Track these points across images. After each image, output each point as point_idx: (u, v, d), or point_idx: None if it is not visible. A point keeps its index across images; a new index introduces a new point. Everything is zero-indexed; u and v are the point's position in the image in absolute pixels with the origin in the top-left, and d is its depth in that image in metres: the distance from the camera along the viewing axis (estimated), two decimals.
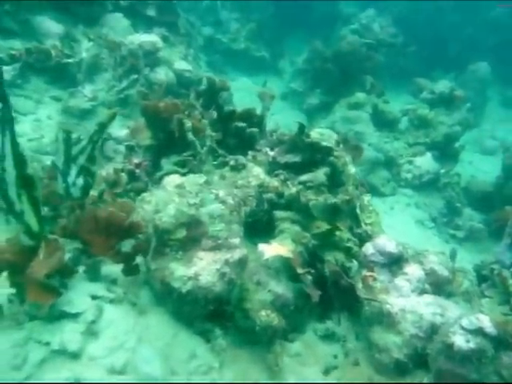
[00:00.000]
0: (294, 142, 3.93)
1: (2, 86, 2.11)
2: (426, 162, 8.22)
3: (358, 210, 3.81)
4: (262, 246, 2.98)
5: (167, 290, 2.70)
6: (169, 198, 2.91)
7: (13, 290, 2.60)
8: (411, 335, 2.77)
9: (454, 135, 8.43)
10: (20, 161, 2.22)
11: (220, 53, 10.26)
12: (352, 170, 3.79)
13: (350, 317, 3.22)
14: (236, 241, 2.84)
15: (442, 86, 9.02)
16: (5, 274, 2.59)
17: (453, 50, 11.24)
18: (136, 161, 3.86)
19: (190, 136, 3.65)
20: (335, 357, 3.02)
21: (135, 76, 6.45)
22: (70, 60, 6.13)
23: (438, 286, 3.13)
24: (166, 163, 3.86)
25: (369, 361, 2.97)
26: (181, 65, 7.16)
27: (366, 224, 3.81)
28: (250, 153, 3.95)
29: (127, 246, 2.77)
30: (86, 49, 6.49)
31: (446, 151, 8.37)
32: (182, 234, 2.78)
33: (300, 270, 2.92)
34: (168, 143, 3.90)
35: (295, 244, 3.14)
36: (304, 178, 3.75)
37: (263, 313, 2.81)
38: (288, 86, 9.86)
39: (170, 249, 2.77)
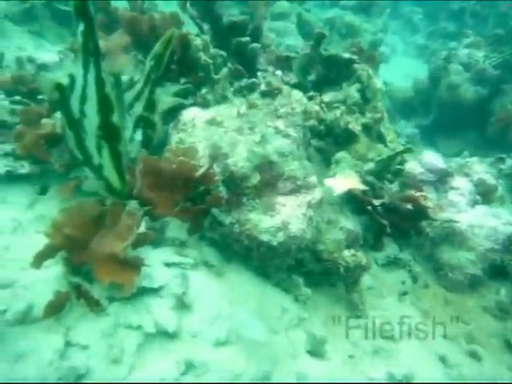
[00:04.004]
0: (310, 57, 3.83)
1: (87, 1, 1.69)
2: None
3: (382, 128, 3.95)
4: (330, 182, 3.00)
5: (255, 244, 2.63)
6: (231, 137, 2.72)
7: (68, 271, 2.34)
8: (486, 249, 3.13)
9: (379, 42, 8.88)
10: (105, 105, 1.86)
11: None
12: (378, 83, 3.84)
13: (407, 242, 3.48)
14: (313, 179, 2.81)
15: None
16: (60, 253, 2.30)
17: None
18: None
19: (204, 57, 3.33)
20: (403, 283, 3.29)
21: None
22: None
23: (485, 195, 3.50)
24: (162, 95, 3.52)
25: (438, 281, 3.30)
26: None
27: (389, 142, 4.00)
28: (259, 74, 3.76)
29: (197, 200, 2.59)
30: None
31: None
32: (256, 178, 2.67)
33: (376, 202, 3.03)
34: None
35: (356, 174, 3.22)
36: (328, 97, 3.74)
37: (347, 253, 2.91)
38: None
39: (247, 198, 2.66)
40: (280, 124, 2.90)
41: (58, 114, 3.05)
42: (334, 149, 3.65)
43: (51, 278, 2.36)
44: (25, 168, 3.07)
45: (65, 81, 1.84)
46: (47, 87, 2.39)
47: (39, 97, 3.27)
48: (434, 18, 11.91)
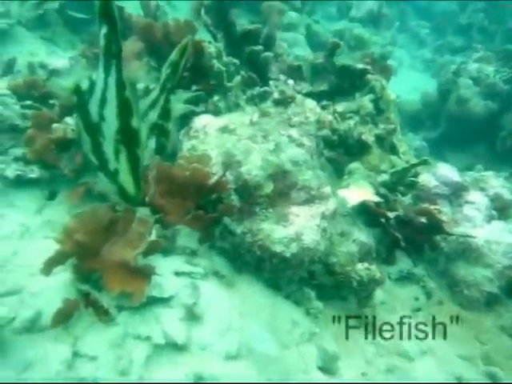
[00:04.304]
0: (323, 66, 3.81)
1: (111, 3, 1.66)
2: None
3: (395, 140, 3.91)
4: (343, 192, 2.96)
5: (267, 254, 2.58)
6: (245, 145, 2.69)
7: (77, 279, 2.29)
8: (504, 266, 3.07)
9: (388, 55, 8.86)
10: (125, 109, 1.83)
11: None
12: (392, 95, 3.81)
13: (420, 256, 3.42)
14: (327, 189, 2.77)
15: (371, 3, 9.33)
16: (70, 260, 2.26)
17: None
18: None
19: (217, 65, 3.31)
20: (416, 299, 3.22)
21: None
22: None
23: (502, 210, 3.44)
24: (173, 101, 3.50)
25: (453, 298, 3.23)
26: None
27: (402, 154, 3.95)
28: (271, 83, 3.73)
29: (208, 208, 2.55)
30: None
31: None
32: (269, 188, 2.63)
33: (390, 215, 2.98)
34: None
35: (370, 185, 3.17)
36: (341, 107, 3.70)
37: (360, 266, 2.85)
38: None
39: (259, 207, 2.62)
40: (294, 133, 2.87)
41: (69, 119, 3.04)
42: (345, 159, 3.62)
43: (59, 285, 2.31)
44: (34, 172, 3.04)
45: (85, 84, 1.81)
46: (61, 92, 2.37)
47: (50, 101, 3.26)
48: (441, 32, 11.91)
